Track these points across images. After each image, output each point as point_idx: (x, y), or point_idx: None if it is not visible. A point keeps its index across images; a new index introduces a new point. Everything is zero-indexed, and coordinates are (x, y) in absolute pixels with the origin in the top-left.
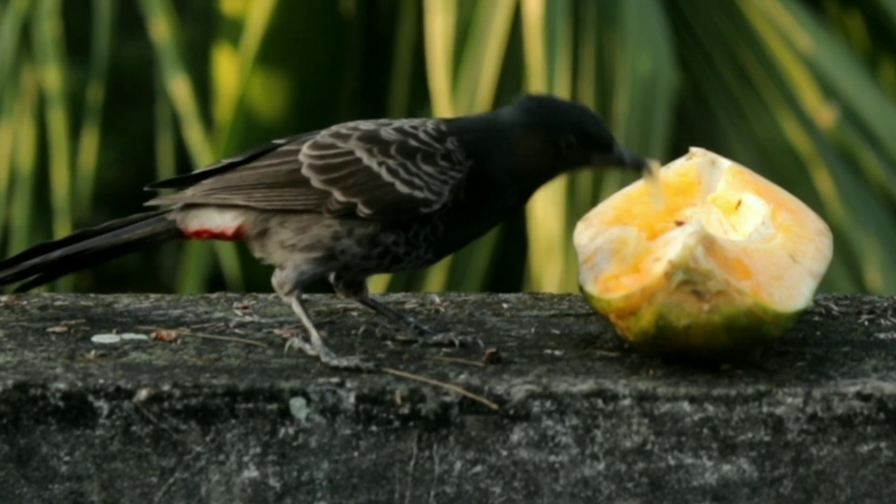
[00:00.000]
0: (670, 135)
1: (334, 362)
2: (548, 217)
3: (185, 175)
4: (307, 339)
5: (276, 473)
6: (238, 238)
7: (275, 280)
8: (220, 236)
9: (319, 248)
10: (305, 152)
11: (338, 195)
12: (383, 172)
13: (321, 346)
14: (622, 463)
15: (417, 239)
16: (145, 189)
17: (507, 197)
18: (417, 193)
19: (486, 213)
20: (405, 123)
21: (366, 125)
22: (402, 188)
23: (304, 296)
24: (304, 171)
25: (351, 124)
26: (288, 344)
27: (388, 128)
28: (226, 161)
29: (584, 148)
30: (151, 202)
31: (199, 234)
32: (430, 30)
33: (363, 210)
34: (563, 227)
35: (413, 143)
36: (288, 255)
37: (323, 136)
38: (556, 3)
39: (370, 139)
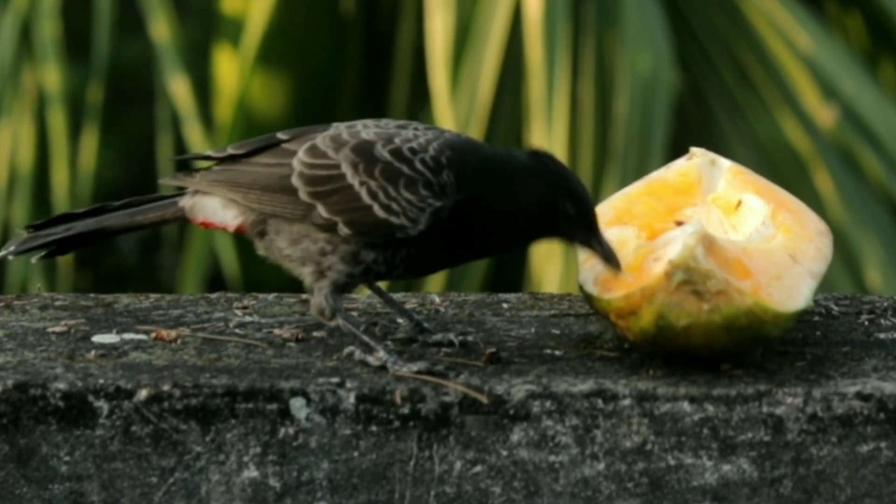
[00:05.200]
0: (670, 135)
1: (403, 370)
2: None
3: (205, 154)
4: (369, 351)
5: (276, 473)
6: (240, 233)
7: (312, 310)
8: (223, 230)
9: (310, 263)
10: (300, 157)
11: (322, 210)
12: (363, 194)
13: (387, 356)
14: (622, 463)
15: (395, 259)
16: (171, 159)
17: (493, 239)
18: (394, 219)
19: (465, 246)
20: (406, 144)
21: (367, 133)
22: (379, 213)
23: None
24: (294, 180)
25: (358, 127)
26: (347, 350)
27: (386, 145)
28: (231, 150)
29: (576, 220)
30: (161, 181)
31: (205, 225)
32: (430, 30)
33: (343, 229)
34: None
35: (403, 168)
36: (290, 266)
37: (324, 137)
38: (556, 3)
39: (361, 153)
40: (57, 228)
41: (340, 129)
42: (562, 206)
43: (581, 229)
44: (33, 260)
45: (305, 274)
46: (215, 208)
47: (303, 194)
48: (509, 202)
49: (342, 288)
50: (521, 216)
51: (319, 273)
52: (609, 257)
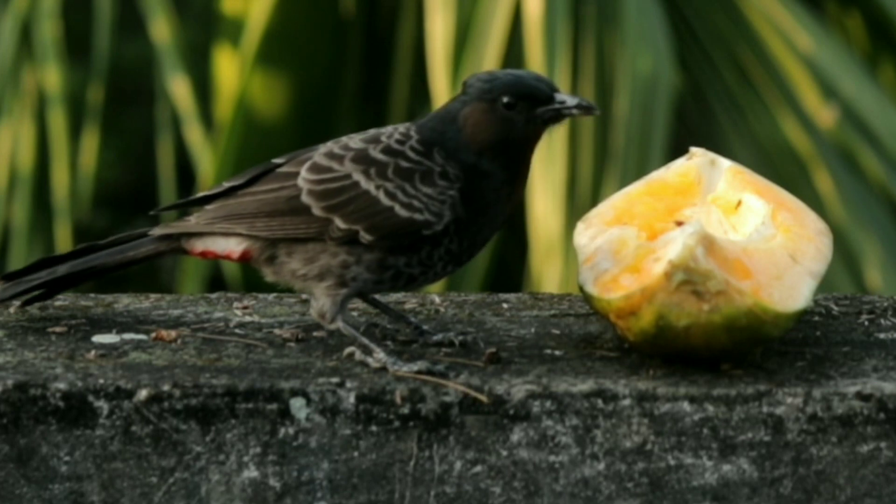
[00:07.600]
0: (670, 135)
1: (403, 370)
2: (548, 217)
3: (188, 199)
4: (368, 353)
5: (276, 473)
6: (244, 261)
7: (312, 312)
8: (225, 258)
9: (330, 277)
10: (304, 176)
11: (339, 223)
12: (382, 196)
13: (385, 357)
14: (622, 463)
15: (432, 259)
16: (150, 213)
17: (497, 184)
18: (417, 216)
19: (492, 212)
20: (389, 140)
21: (355, 143)
22: (401, 212)
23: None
24: (304, 198)
25: (343, 141)
26: (347, 351)
27: (375, 147)
28: (227, 184)
29: (525, 105)
30: (154, 231)
31: (204, 255)
32: (430, 30)
33: (365, 236)
34: (563, 227)
35: (405, 163)
36: (304, 285)
37: (320, 155)
38: (556, 3)
39: (364, 160)
40: (39, 273)
41: (330, 145)
42: (498, 102)
43: (538, 107)
44: (11, 310)
45: (321, 287)
46: (215, 239)
47: (316, 210)
48: (463, 138)
49: (358, 295)
50: (478, 140)
51: (340, 284)
52: (581, 106)
